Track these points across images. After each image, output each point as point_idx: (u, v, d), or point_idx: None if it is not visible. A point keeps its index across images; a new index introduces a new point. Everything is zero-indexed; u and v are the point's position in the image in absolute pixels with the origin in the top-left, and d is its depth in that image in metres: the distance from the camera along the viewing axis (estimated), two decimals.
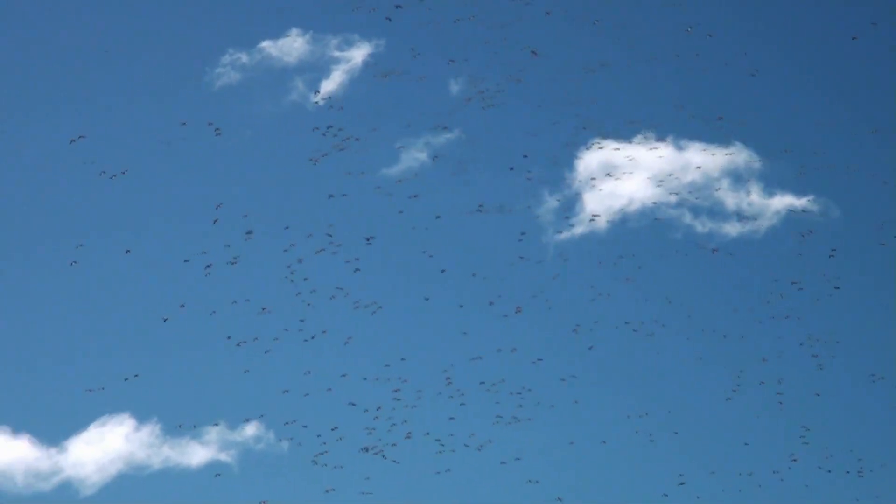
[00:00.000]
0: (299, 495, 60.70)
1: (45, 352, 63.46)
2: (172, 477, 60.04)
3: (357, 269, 60.37)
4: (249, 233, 60.83)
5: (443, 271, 62.11)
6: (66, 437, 60.49)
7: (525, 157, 65.18)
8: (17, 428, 60.45)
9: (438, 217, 62.47)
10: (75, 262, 62.09)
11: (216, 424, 60.54)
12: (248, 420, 60.30)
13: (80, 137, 62.58)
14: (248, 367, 60.73)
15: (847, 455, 58.44)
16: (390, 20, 65.96)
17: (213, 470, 59.82)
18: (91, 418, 60.43)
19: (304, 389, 59.73)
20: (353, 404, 59.83)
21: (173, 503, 60.32)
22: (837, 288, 62.62)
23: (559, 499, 58.52)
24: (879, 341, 61.89)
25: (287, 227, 61.45)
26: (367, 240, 60.42)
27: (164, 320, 62.21)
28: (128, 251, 61.32)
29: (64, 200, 67.05)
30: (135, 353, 63.18)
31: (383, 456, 58.54)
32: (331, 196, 62.76)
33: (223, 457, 59.68)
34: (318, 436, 59.26)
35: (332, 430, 58.97)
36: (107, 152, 65.16)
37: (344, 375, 60.03)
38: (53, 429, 60.66)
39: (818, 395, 60.37)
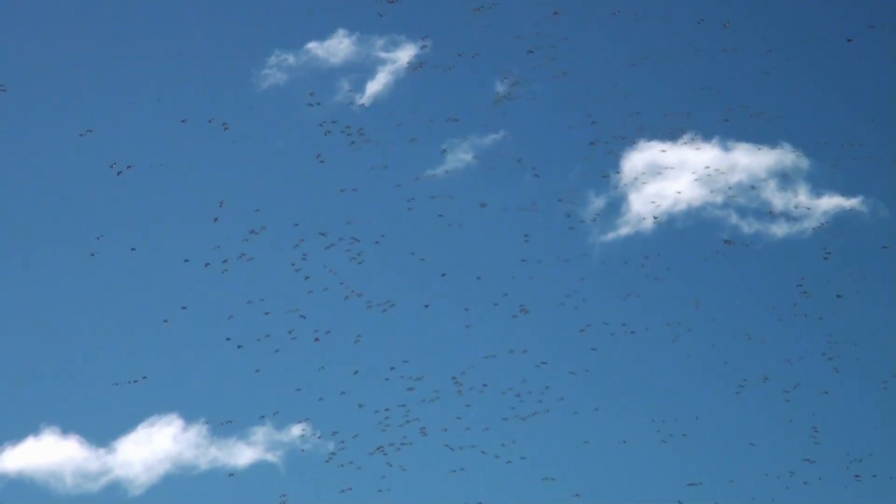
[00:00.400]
0: (345, 495, 59.61)
1: (95, 353, 63.63)
2: (219, 477, 60.02)
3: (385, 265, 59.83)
4: (300, 241, 61.03)
5: (479, 278, 61.71)
6: (114, 437, 60.65)
7: (570, 156, 64.54)
8: (66, 428, 60.72)
9: (482, 213, 61.87)
10: (134, 270, 61.42)
11: (263, 425, 60.40)
12: (295, 421, 59.94)
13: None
14: (294, 367, 60.28)
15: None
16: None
17: (259, 470, 60.00)
18: (139, 419, 60.74)
19: (351, 390, 59.12)
20: (404, 405, 59.70)
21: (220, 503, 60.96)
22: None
23: (577, 495, 59.11)
24: None
25: (325, 234, 60.95)
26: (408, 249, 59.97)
27: (230, 317, 60.90)
28: (187, 260, 61.01)
29: (121, 197, 66.04)
30: (182, 353, 63.24)
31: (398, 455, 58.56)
32: (355, 193, 61.64)
33: (269, 457, 59.87)
34: (355, 436, 58.93)
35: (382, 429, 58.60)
36: (154, 150, 65.24)
37: (392, 369, 59.47)
38: (102, 429, 60.77)
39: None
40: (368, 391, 60.56)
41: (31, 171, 70.54)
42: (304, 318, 61.08)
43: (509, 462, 59.16)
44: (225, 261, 61.70)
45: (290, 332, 62.71)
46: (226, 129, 62.89)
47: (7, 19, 73.68)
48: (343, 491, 59.10)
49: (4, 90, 65.65)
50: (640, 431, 60.40)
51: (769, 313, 64.54)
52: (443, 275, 62.98)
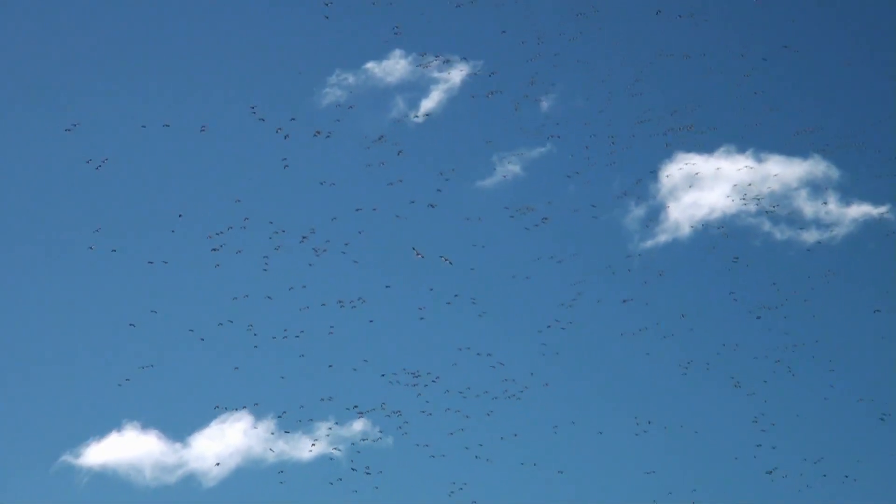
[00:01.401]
0: (405, 489, 62.64)
1: (173, 353, 64.73)
2: (286, 470, 62.05)
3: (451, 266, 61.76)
4: (346, 245, 62.40)
5: (528, 278, 63.65)
6: (189, 432, 62.73)
7: (611, 168, 66.47)
8: (145, 424, 62.75)
9: (531, 221, 63.60)
10: (218, 265, 62.85)
11: (326, 420, 61.88)
12: (356, 416, 61.82)
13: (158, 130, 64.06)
14: (355, 366, 62.45)
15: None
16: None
17: (323, 464, 61.60)
18: (213, 415, 62.41)
19: (407, 385, 60.83)
20: (464, 395, 61.40)
21: (287, 495, 61.81)
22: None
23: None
24: None
25: (376, 243, 62.55)
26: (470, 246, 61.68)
27: (303, 308, 62.51)
28: (265, 266, 62.72)
29: (195, 206, 67.30)
30: (252, 352, 63.25)
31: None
32: (431, 206, 63.92)
33: (333, 451, 61.79)
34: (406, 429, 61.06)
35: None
36: (220, 165, 67.79)
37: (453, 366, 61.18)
38: (179, 425, 62.79)
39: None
40: (431, 392, 61.48)
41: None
42: (372, 322, 63.23)
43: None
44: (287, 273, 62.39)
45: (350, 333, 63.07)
46: (285, 137, 63.97)
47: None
48: (452, 492, 60.66)
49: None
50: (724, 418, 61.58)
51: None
52: (518, 277, 64.23)
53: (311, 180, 68.57)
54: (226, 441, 62.70)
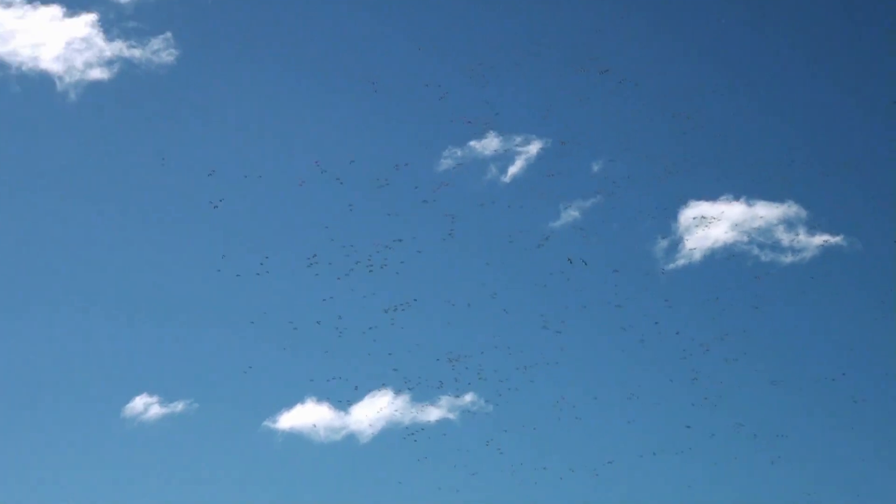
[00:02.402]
0: (502, 450, 66.83)
1: (340, 349, 69.22)
2: (416, 430, 67.32)
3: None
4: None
5: (584, 307, 68.76)
6: (350, 404, 68.30)
7: (644, 212, 71.87)
8: (320, 398, 68.65)
9: (588, 250, 69.47)
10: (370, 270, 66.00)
11: (446, 394, 67.38)
12: (468, 391, 67.17)
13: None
14: (460, 353, 66.56)
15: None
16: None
17: (443, 426, 67.08)
18: (366, 391, 68.17)
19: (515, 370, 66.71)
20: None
21: (418, 448, 67.11)
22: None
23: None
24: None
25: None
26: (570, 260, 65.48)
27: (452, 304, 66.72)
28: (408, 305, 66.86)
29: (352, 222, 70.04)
30: (396, 347, 68.02)
31: None
32: (511, 241, 69.02)
33: (451, 416, 67.43)
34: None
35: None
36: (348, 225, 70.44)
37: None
38: (343, 398, 68.06)
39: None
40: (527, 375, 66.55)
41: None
42: (508, 312, 67.45)
43: None
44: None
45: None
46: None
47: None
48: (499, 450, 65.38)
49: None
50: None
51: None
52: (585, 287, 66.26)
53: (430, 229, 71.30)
54: (375, 409, 67.68)
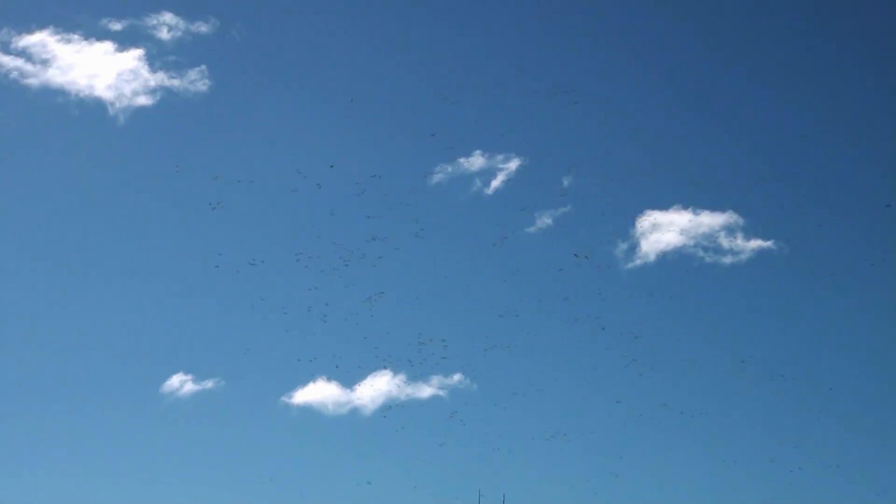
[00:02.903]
0: (484, 422, 72.59)
1: (346, 334, 75.23)
2: (411, 405, 73.18)
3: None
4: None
5: (566, 299, 74.41)
6: (355, 383, 74.08)
7: (608, 221, 76.94)
8: (329, 377, 74.35)
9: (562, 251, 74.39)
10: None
11: (437, 374, 72.58)
12: (457, 371, 72.88)
13: None
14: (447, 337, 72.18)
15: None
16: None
17: (435, 403, 72.48)
18: (368, 372, 73.88)
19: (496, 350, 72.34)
20: None
21: (413, 421, 72.73)
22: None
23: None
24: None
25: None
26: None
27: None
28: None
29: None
30: (389, 338, 74.14)
31: None
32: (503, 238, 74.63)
33: (442, 393, 73.10)
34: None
35: None
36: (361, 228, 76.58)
37: None
38: (349, 378, 74.04)
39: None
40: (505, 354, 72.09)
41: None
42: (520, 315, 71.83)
43: None
44: None
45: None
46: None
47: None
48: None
49: None
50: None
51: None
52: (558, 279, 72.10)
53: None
54: (376, 387, 73.12)
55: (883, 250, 77.34)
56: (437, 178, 79.05)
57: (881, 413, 73.29)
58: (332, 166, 75.90)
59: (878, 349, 75.91)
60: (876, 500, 67.40)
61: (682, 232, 76.08)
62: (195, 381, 74.37)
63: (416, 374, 72.12)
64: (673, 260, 76.68)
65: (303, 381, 73.54)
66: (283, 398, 73.35)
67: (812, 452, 71.85)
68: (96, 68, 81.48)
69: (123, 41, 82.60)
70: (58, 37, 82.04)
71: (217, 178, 77.63)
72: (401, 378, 72.31)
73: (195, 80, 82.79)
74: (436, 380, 71.90)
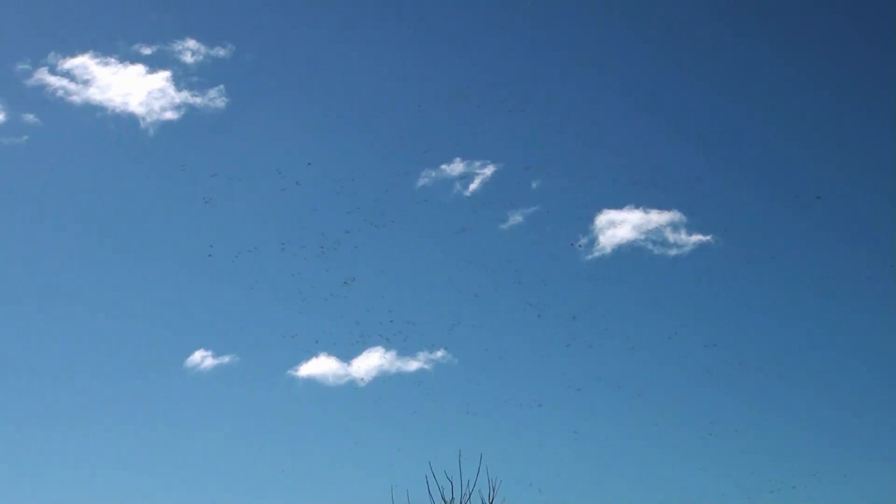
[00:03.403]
0: (467, 397, 76.01)
1: (343, 317, 78.81)
2: (400, 377, 76.71)
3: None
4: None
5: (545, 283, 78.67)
6: (351, 357, 77.76)
7: (573, 217, 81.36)
8: (329, 352, 78.06)
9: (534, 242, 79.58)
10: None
11: (423, 350, 76.09)
12: (440, 348, 76.60)
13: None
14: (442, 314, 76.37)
15: None
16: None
17: (421, 375, 76.19)
18: (365, 347, 77.63)
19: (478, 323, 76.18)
20: None
21: (401, 390, 76.58)
22: None
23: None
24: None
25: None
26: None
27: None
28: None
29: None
30: (384, 319, 76.85)
31: None
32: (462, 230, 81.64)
33: (427, 367, 76.64)
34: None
35: None
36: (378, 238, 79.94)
37: None
38: (347, 353, 77.61)
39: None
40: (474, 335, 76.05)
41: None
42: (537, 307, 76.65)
43: None
44: None
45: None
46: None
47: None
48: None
49: None
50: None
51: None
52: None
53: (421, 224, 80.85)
54: (370, 362, 77.00)
55: (809, 240, 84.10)
56: (423, 181, 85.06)
57: (809, 389, 79.62)
58: (352, 180, 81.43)
59: (801, 325, 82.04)
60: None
61: (635, 228, 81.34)
62: (214, 356, 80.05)
63: (405, 351, 77.08)
64: (627, 252, 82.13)
65: (306, 356, 78.49)
66: (290, 371, 78.35)
67: (741, 424, 77.27)
68: (130, 87, 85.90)
69: (153, 64, 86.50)
70: (97, 60, 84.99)
71: (234, 180, 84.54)
72: (392, 354, 77.26)
73: (214, 98, 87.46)
74: (422, 355, 77.05)
